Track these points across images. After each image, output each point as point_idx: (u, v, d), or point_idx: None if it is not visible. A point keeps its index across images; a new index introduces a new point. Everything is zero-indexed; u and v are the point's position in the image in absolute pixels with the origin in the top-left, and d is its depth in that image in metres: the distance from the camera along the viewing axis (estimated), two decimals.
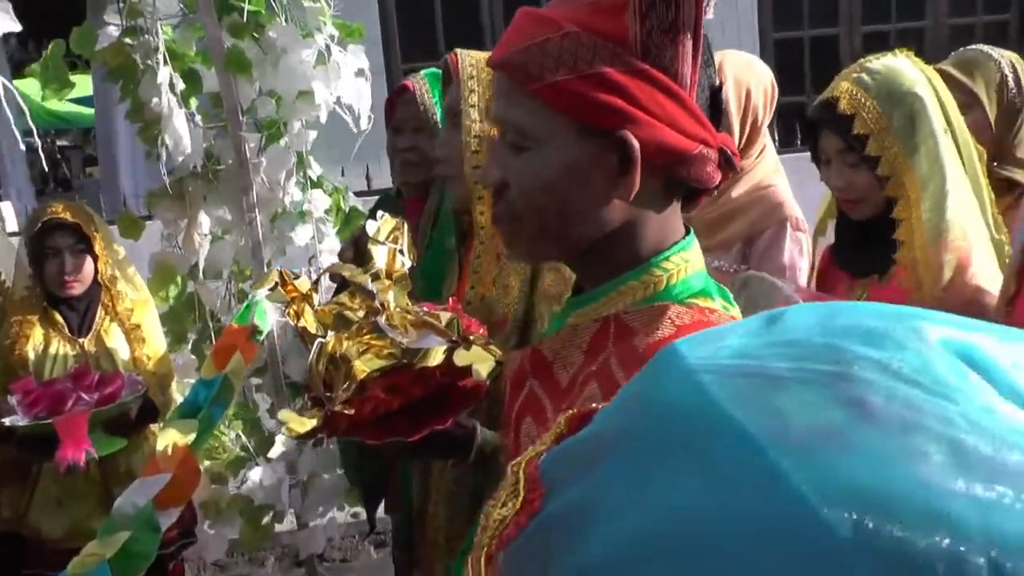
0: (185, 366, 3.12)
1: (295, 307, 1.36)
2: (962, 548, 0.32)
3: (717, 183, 0.95)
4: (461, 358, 1.25)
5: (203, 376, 2.45)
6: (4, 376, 2.54)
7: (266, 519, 3.36)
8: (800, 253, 2.20)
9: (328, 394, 1.26)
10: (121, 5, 2.61)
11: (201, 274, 3.20)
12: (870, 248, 1.87)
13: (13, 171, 6.24)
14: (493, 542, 0.47)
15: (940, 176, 1.78)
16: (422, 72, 2.34)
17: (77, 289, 2.59)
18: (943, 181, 1.78)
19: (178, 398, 2.85)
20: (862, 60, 1.88)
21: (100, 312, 2.66)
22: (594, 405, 0.53)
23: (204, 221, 3.18)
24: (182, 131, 2.89)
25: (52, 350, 2.57)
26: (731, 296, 1.02)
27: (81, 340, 2.61)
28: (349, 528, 4.06)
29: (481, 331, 1.33)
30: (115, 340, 2.64)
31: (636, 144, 0.87)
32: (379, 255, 1.42)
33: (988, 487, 0.34)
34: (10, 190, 6.11)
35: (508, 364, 1.08)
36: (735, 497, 0.36)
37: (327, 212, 3.35)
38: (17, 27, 1.38)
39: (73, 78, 3.04)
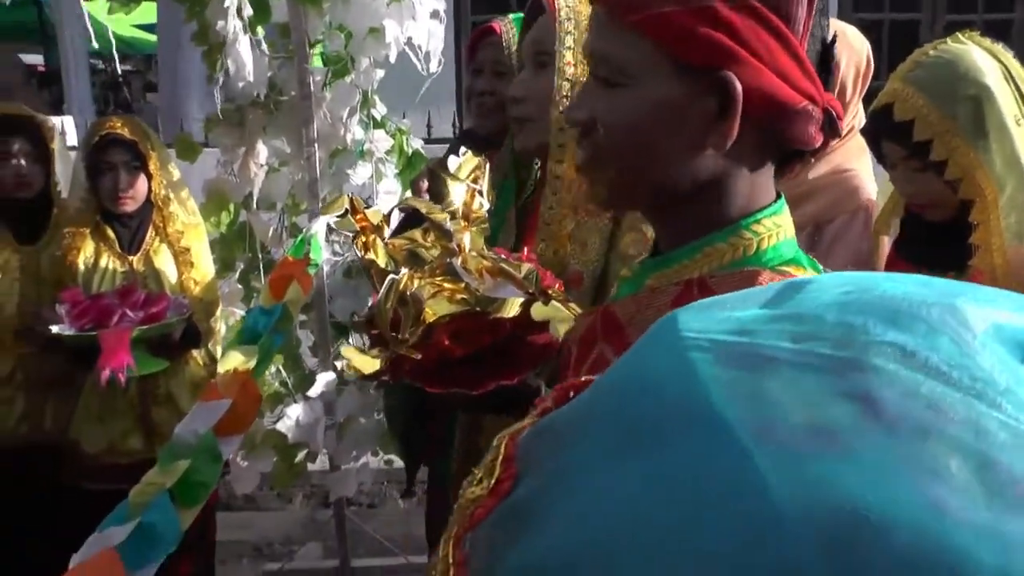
0: (231, 295, 3.11)
1: (364, 238, 1.27)
2: None
3: (818, 147, 0.88)
4: (539, 312, 1.17)
5: (261, 305, 2.43)
6: (54, 286, 2.54)
7: (299, 457, 3.36)
8: (871, 246, 2.07)
9: (394, 335, 1.18)
10: None
11: (255, 204, 3.17)
12: (945, 245, 1.74)
13: (77, 89, 6.28)
14: (464, 522, 0.43)
15: (1018, 173, 1.64)
16: (510, 16, 2.26)
17: (130, 206, 2.57)
18: (1022, 178, 1.65)
19: (221, 326, 2.84)
20: (917, 52, 1.73)
21: (151, 232, 2.64)
22: (591, 377, 0.47)
23: (262, 151, 3.14)
24: (246, 57, 2.85)
25: (102, 264, 2.56)
26: (822, 269, 0.93)
27: (131, 257, 2.60)
28: (379, 475, 4.05)
29: (558, 286, 1.25)
30: (164, 261, 2.62)
31: (739, 87, 0.80)
32: (457, 193, 1.33)
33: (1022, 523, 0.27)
34: (72, 106, 6.15)
35: (576, 324, 1.00)
36: (696, 500, 0.30)
37: (388, 153, 3.30)
38: None
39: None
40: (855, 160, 2.11)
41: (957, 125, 1.64)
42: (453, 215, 1.29)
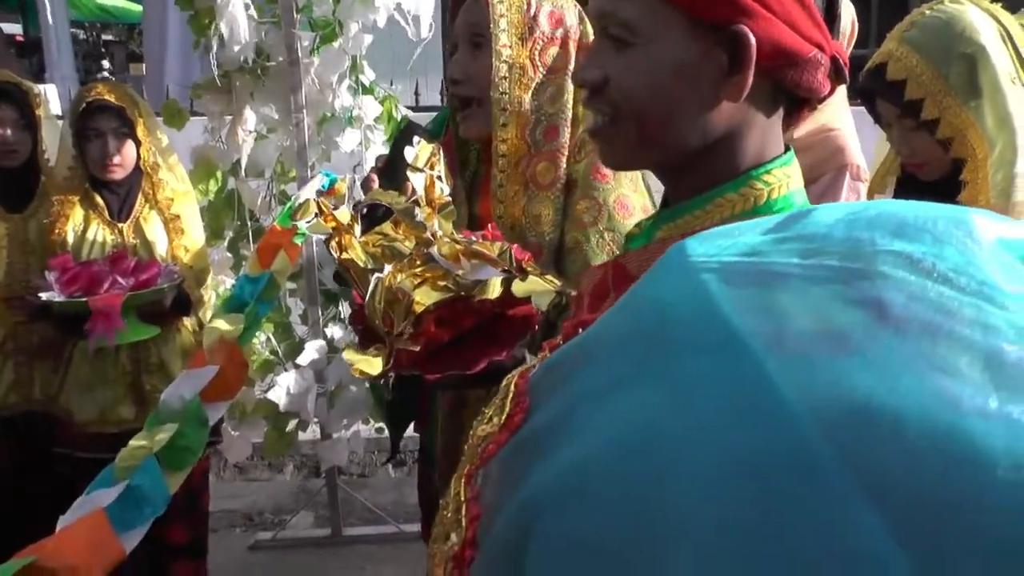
0: (220, 263, 3.09)
1: (338, 239, 1.29)
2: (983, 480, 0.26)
3: (825, 94, 0.87)
4: (520, 289, 1.19)
5: (248, 273, 2.41)
6: (43, 254, 2.51)
7: (290, 426, 3.36)
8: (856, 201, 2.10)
9: (388, 330, 1.19)
10: None
11: (243, 171, 3.15)
12: (936, 202, 1.76)
13: (59, 58, 6.19)
14: (475, 460, 0.43)
15: (1009, 132, 1.63)
16: None
17: (118, 173, 2.54)
18: (1012, 136, 1.63)
19: (211, 294, 2.82)
20: (915, 11, 1.73)
21: (140, 199, 2.61)
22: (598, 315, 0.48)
23: (250, 118, 3.11)
24: (240, 19, 2.81)
25: (91, 232, 2.53)
26: None
27: (120, 225, 2.57)
28: (370, 444, 4.06)
29: (528, 258, 1.27)
30: (153, 228, 2.59)
31: (752, 40, 0.79)
32: (417, 182, 1.36)
33: None
34: (55, 75, 6.07)
35: (587, 278, 0.99)
36: (712, 408, 0.31)
37: (376, 120, 3.27)
38: None
39: None
40: (840, 119, 2.12)
41: (949, 84, 1.64)
42: (417, 204, 1.31)
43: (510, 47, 1.55)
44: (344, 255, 1.29)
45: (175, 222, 2.62)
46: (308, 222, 1.36)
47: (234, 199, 3.18)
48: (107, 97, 2.52)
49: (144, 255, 2.53)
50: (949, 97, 1.64)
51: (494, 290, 1.17)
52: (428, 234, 1.25)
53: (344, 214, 1.31)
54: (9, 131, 2.54)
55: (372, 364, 1.19)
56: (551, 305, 1.21)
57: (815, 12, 0.83)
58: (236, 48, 2.92)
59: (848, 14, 2.08)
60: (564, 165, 1.58)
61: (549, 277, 1.24)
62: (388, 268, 1.22)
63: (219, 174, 3.20)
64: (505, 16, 1.55)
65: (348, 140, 3.15)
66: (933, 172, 1.74)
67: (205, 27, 2.92)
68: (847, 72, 0.87)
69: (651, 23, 0.82)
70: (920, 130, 1.69)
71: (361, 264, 1.25)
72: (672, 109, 0.84)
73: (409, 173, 1.39)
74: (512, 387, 0.44)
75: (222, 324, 2.15)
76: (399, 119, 3.34)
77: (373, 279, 1.21)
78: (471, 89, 1.60)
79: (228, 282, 3.07)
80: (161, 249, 2.58)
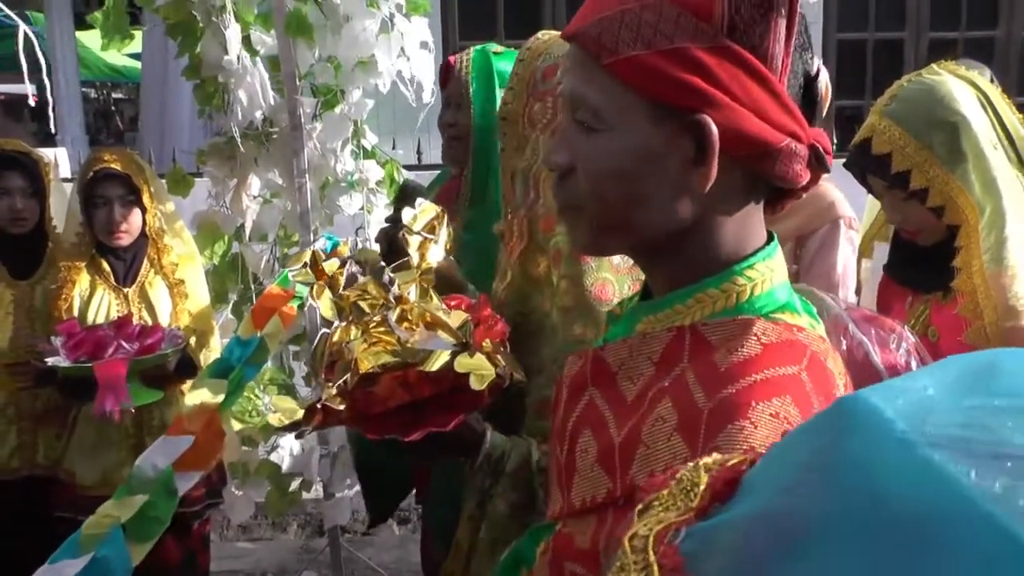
0: (225, 326, 3.12)
1: (315, 289, 1.33)
2: None
3: (805, 183, 0.86)
4: (461, 365, 1.21)
5: (239, 335, 2.43)
6: (49, 320, 2.56)
7: (293, 486, 3.36)
8: (854, 253, 2.15)
9: (328, 382, 1.23)
10: None
11: (247, 236, 3.19)
12: (930, 265, 1.77)
13: (69, 119, 6.30)
14: None
15: (995, 196, 1.67)
16: (471, 48, 2.30)
17: (125, 239, 2.59)
18: (998, 201, 1.67)
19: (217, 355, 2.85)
20: (894, 85, 1.77)
21: (146, 264, 2.66)
22: (737, 461, 0.45)
23: (254, 183, 3.16)
24: (257, 87, 2.87)
25: (97, 298, 2.58)
26: (815, 310, 0.92)
27: (126, 290, 2.62)
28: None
29: (501, 330, 1.30)
30: (158, 293, 2.64)
31: (714, 129, 0.78)
32: (413, 244, 1.39)
33: None
34: (65, 137, 6.17)
35: (566, 367, 0.97)
36: None
37: (379, 184, 3.33)
38: None
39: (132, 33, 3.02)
40: (825, 178, 2.17)
41: (933, 154, 1.67)
42: (406, 266, 1.35)
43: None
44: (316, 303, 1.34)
45: (179, 287, 2.66)
46: (295, 270, 1.40)
47: (238, 263, 3.22)
48: (114, 165, 2.58)
49: (149, 319, 2.58)
50: (935, 167, 1.67)
51: (436, 362, 1.20)
52: (391, 296, 1.28)
53: (331, 265, 1.36)
54: (18, 199, 2.60)
55: (292, 412, 1.22)
56: (487, 386, 1.22)
57: (787, 100, 0.81)
58: (258, 113, 2.98)
59: (822, 79, 2.13)
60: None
61: (500, 356, 1.26)
62: (336, 324, 1.25)
63: (224, 238, 3.25)
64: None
65: (351, 204, 3.20)
66: (928, 238, 1.77)
67: (211, 95, 2.98)
68: (830, 160, 0.86)
69: (617, 109, 0.82)
70: (911, 200, 1.71)
71: (327, 316, 1.29)
72: (637, 195, 0.83)
73: (404, 234, 1.42)
74: (653, 557, 0.39)
75: (203, 391, 2.18)
76: (400, 181, 3.40)
77: (320, 333, 1.25)
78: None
79: None
80: (165, 313, 2.62)
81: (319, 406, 1.22)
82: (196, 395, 2.24)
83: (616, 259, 1.57)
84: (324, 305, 1.32)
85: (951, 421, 0.33)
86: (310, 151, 3.11)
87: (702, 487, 0.44)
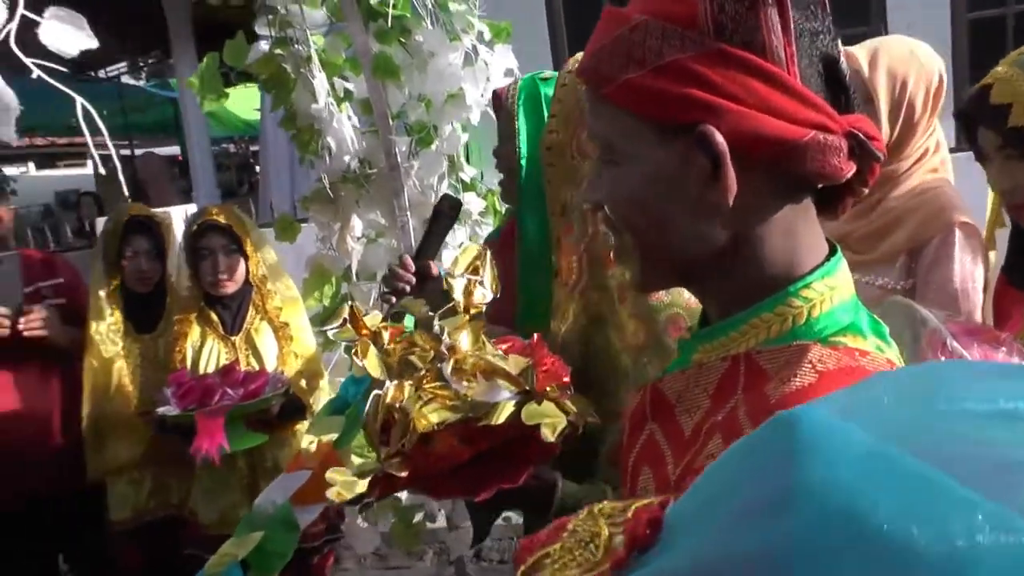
0: (338, 365, 3.21)
1: (359, 346, 1.24)
2: None
3: (863, 175, 0.79)
4: (529, 415, 1.13)
5: (353, 374, 2.49)
6: (165, 370, 2.70)
7: (417, 518, 3.41)
8: (975, 262, 1.89)
9: (386, 447, 1.15)
10: (271, 17, 2.69)
11: (355, 276, 3.28)
12: None
13: (203, 176, 6.67)
14: None
15: None
16: (517, 77, 2.25)
17: (230, 288, 2.72)
18: None
19: (327, 396, 2.93)
20: None
21: (251, 311, 2.78)
22: (646, 502, 0.42)
23: (356, 224, 3.25)
24: (345, 132, 2.97)
25: (207, 347, 2.71)
26: (886, 331, 0.84)
27: (233, 338, 2.74)
28: (506, 530, 4.07)
29: (563, 372, 1.21)
30: (264, 338, 2.75)
31: (719, 138, 0.74)
32: (457, 288, 1.32)
33: None
34: (199, 193, 6.54)
35: (628, 401, 0.94)
36: None
37: (482, 215, 3.36)
38: (94, 43, 1.41)
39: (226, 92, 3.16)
40: (939, 180, 1.98)
41: None
42: (453, 311, 1.26)
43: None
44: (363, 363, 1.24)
45: (284, 330, 2.77)
46: (334, 329, 1.32)
47: (348, 303, 3.31)
48: (216, 217, 2.72)
49: (256, 364, 2.68)
50: None
51: (502, 415, 1.11)
52: (443, 348, 1.20)
53: (374, 319, 1.30)
54: (143, 261, 2.78)
55: (350, 486, 1.15)
56: (559, 435, 1.13)
57: (802, 91, 0.75)
58: (346, 158, 3.08)
59: (932, 66, 1.97)
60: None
61: (568, 402, 1.18)
62: (388, 384, 1.17)
63: (333, 279, 3.35)
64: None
65: (456, 237, 3.25)
66: None
67: (307, 143, 3.09)
68: (877, 144, 0.78)
69: (624, 138, 0.80)
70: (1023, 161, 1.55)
71: (376, 375, 1.21)
72: (662, 221, 0.80)
73: (447, 279, 1.39)
74: None
75: (320, 428, 2.23)
76: (503, 211, 3.42)
77: (372, 396, 1.17)
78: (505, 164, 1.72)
79: None
80: (272, 356, 2.73)
81: (379, 474, 1.15)
82: (313, 433, 2.30)
83: (687, 293, 1.51)
84: (371, 363, 1.22)
85: (914, 428, 0.31)
86: (409, 189, 3.18)
87: (604, 536, 0.40)
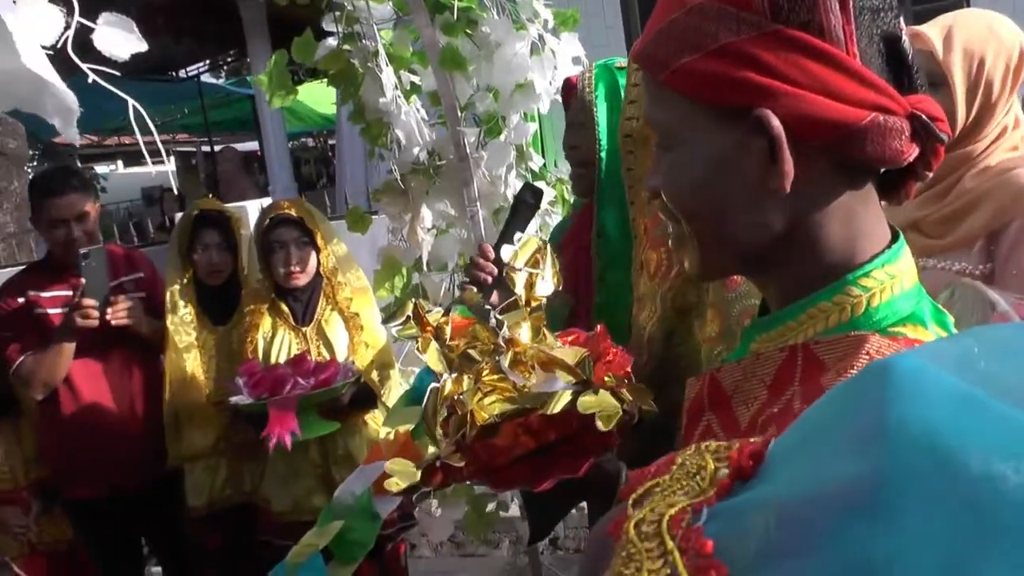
0: (409, 355, 3.24)
1: (420, 342, 1.27)
2: None
3: (910, 158, 0.76)
4: (584, 405, 1.13)
5: (428, 365, 2.52)
6: (238, 361, 2.77)
7: (490, 507, 3.43)
8: None
9: (445, 439, 1.17)
10: (338, 14, 2.73)
11: (425, 266, 3.31)
12: None
13: (279, 171, 6.81)
14: None
15: None
16: (592, 64, 2.20)
17: (301, 280, 2.77)
18: None
19: (398, 385, 2.97)
20: None
21: (322, 302, 2.82)
22: (758, 440, 0.44)
23: (427, 215, 3.28)
24: (413, 125, 2.99)
25: (278, 338, 2.76)
26: (950, 321, 0.81)
27: (304, 329, 2.79)
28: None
29: (624, 362, 1.20)
30: (335, 328, 2.79)
31: (775, 122, 0.72)
32: (518, 282, 1.33)
33: None
34: (276, 187, 6.67)
35: (687, 390, 0.91)
36: None
37: (552, 204, 3.35)
38: (143, 47, 1.44)
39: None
40: (1018, 158, 1.91)
41: None
42: (514, 306, 1.27)
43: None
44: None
45: (354, 319, 2.80)
46: (397, 325, 1.35)
47: (419, 293, 3.34)
48: (288, 211, 2.77)
49: (327, 354, 2.73)
50: None
51: (558, 404, 1.12)
52: (501, 340, 1.21)
53: (436, 316, 1.31)
54: (214, 254, 2.85)
55: (406, 475, 1.17)
56: (615, 425, 1.12)
57: (864, 72, 0.73)
58: (415, 150, 3.11)
59: (1013, 42, 1.89)
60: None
61: (625, 392, 1.17)
62: (446, 378, 1.19)
63: (404, 270, 3.38)
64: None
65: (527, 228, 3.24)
66: None
67: (376, 136, 3.13)
68: (942, 126, 0.75)
69: (682, 122, 0.79)
70: None
71: (437, 370, 1.23)
72: (719, 205, 0.79)
73: (508, 273, 1.39)
74: (670, 542, 0.37)
75: (396, 419, 2.26)
76: (572, 200, 3.41)
77: (429, 389, 1.19)
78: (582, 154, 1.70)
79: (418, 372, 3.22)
80: (343, 346, 2.77)
81: (438, 465, 1.17)
82: (388, 424, 2.33)
83: None
84: (432, 358, 1.26)
85: (1003, 376, 0.33)
86: (479, 179, 3.19)
87: (710, 468, 0.42)
